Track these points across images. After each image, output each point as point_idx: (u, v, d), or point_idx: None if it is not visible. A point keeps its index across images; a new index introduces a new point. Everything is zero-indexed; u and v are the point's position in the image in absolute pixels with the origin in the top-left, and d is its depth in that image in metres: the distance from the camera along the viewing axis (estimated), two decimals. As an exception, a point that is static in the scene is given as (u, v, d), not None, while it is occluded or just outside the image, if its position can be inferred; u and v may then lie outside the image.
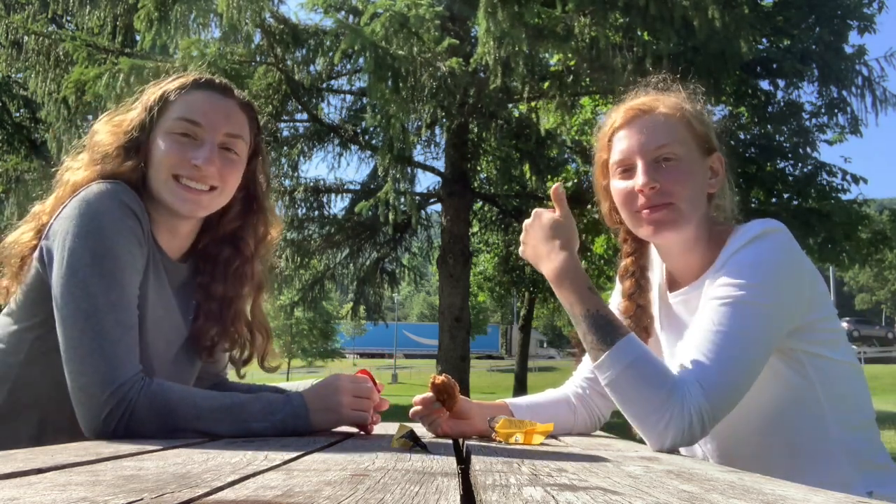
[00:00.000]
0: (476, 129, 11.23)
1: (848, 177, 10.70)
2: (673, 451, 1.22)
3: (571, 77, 9.69)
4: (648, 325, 1.55)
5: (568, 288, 1.33)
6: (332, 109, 11.76)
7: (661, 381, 1.21)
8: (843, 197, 10.73)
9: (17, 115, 13.79)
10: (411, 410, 1.48)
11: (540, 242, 1.40)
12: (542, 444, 1.29)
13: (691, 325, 1.41)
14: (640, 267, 1.57)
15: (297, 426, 1.29)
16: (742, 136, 11.37)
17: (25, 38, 10.02)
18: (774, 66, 10.18)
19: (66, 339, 1.22)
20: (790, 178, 10.93)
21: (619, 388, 1.24)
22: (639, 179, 1.39)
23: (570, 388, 1.70)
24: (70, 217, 1.27)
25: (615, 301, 1.65)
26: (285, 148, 11.11)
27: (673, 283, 1.52)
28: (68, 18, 11.89)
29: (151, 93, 1.47)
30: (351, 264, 12.50)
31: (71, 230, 1.26)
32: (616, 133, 1.47)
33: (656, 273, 1.58)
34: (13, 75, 12.63)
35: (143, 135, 1.43)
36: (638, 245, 1.57)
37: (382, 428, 1.65)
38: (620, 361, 1.23)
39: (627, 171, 1.43)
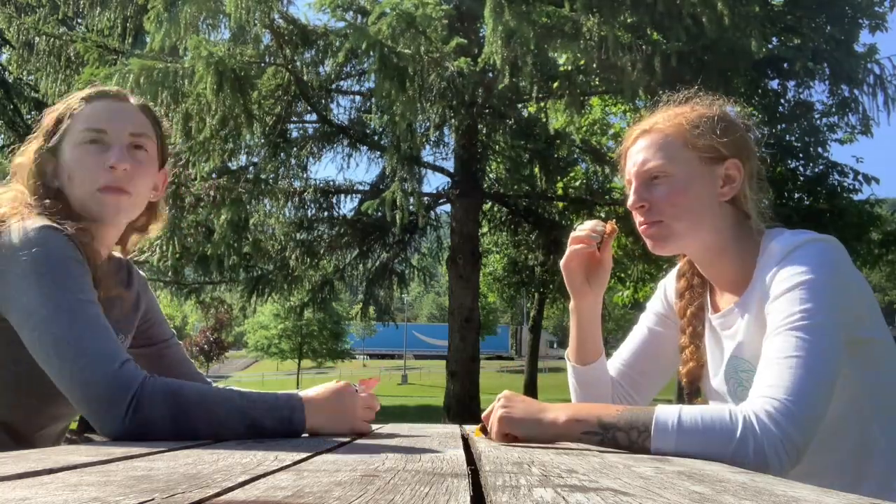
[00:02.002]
0: (485, 130, 11.23)
1: (859, 176, 10.65)
2: None
3: (580, 76, 9.68)
4: (701, 331, 1.55)
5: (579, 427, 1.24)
6: (341, 110, 11.78)
7: (721, 429, 1.12)
8: (855, 197, 10.68)
9: (28, 117, 13.88)
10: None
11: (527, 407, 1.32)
12: (548, 445, 1.30)
13: (729, 348, 1.42)
14: (693, 270, 1.57)
15: (292, 430, 1.28)
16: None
17: (37, 39, 10.10)
18: (785, 65, 10.13)
19: (50, 347, 1.19)
20: (801, 178, 10.89)
21: (696, 454, 1.12)
22: (629, 199, 1.45)
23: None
24: (14, 255, 1.25)
25: (654, 307, 1.67)
26: (294, 149, 11.13)
27: (716, 298, 1.53)
28: (79, 20, 11.95)
29: (49, 119, 1.47)
30: (360, 265, 12.51)
31: (21, 265, 1.23)
32: (626, 153, 1.52)
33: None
34: (24, 77, 12.72)
35: (50, 158, 1.43)
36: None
37: (392, 429, 1.65)
38: (669, 434, 1.14)
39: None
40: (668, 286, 1.66)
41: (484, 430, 1.36)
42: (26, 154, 1.45)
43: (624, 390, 1.65)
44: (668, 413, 1.14)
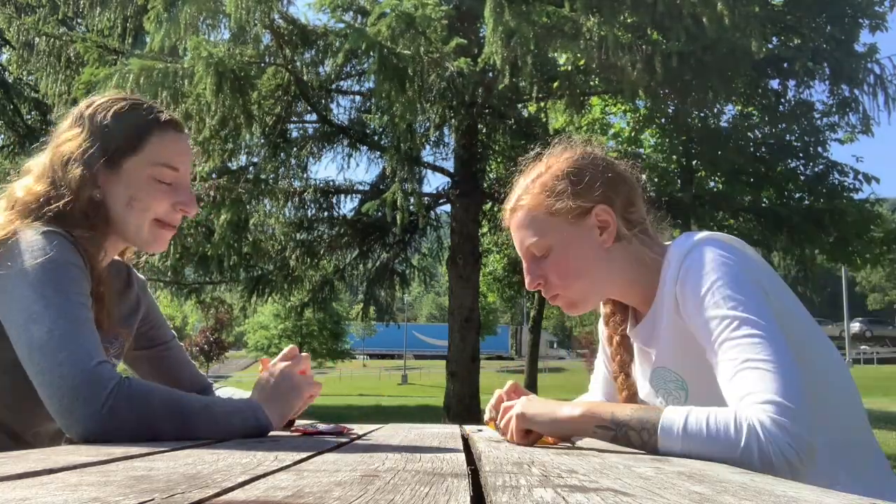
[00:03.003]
0: (485, 130, 11.23)
1: (860, 176, 10.66)
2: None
3: (580, 76, 9.68)
4: (628, 359, 1.55)
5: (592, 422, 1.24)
6: (341, 110, 11.77)
7: (725, 437, 1.10)
8: (855, 196, 10.68)
9: (29, 117, 13.89)
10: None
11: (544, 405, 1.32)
12: (548, 445, 1.30)
13: (651, 361, 1.43)
14: (621, 329, 1.57)
15: (259, 432, 1.28)
16: (753, 136, 11.34)
17: (37, 39, 10.10)
18: (785, 64, 10.13)
19: (32, 343, 1.20)
20: (801, 178, 10.89)
21: (694, 457, 1.11)
22: (526, 282, 1.47)
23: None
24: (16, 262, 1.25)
25: (601, 344, 1.68)
26: (294, 149, 11.13)
27: (637, 317, 1.52)
28: (79, 20, 11.96)
29: (95, 130, 1.42)
30: (361, 265, 12.51)
31: (21, 272, 1.24)
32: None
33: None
34: (24, 77, 12.73)
35: (110, 172, 1.41)
36: None
37: (392, 429, 1.65)
38: (675, 437, 1.13)
39: None
40: (602, 323, 1.67)
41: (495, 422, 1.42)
42: (66, 146, 1.41)
43: None
44: (674, 416, 1.14)
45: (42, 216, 1.34)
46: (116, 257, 1.61)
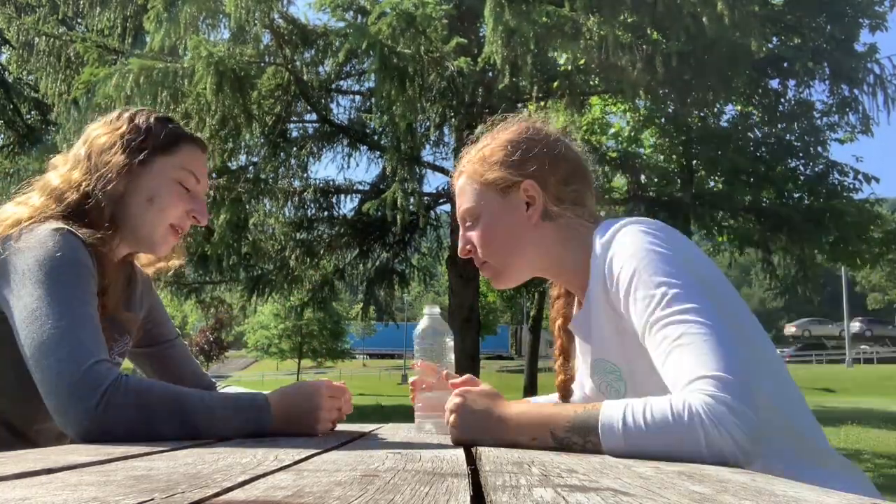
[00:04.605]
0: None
1: (860, 176, 10.64)
2: (740, 463, 1.02)
3: (580, 76, 9.67)
4: (568, 343, 1.56)
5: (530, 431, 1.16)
6: (341, 110, 11.77)
7: (666, 421, 1.03)
8: (855, 196, 10.66)
9: (29, 117, 13.88)
10: None
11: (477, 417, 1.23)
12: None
13: (590, 351, 1.41)
14: (563, 313, 1.58)
15: (258, 431, 1.27)
16: (753, 136, 11.33)
17: (36, 39, 10.09)
18: (785, 64, 10.13)
19: (34, 340, 1.20)
20: (801, 178, 10.88)
21: (647, 453, 1.04)
22: (458, 248, 1.49)
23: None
24: (24, 258, 1.27)
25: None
26: (294, 149, 11.13)
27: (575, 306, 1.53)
28: (79, 20, 11.96)
29: (135, 127, 1.50)
30: (360, 265, 12.50)
31: (26, 270, 1.26)
32: None
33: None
34: (24, 77, 12.72)
35: (141, 170, 1.47)
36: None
37: (392, 429, 1.65)
38: (617, 436, 1.06)
39: None
40: None
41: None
42: (105, 138, 1.48)
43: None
44: (612, 413, 1.07)
45: (68, 208, 1.39)
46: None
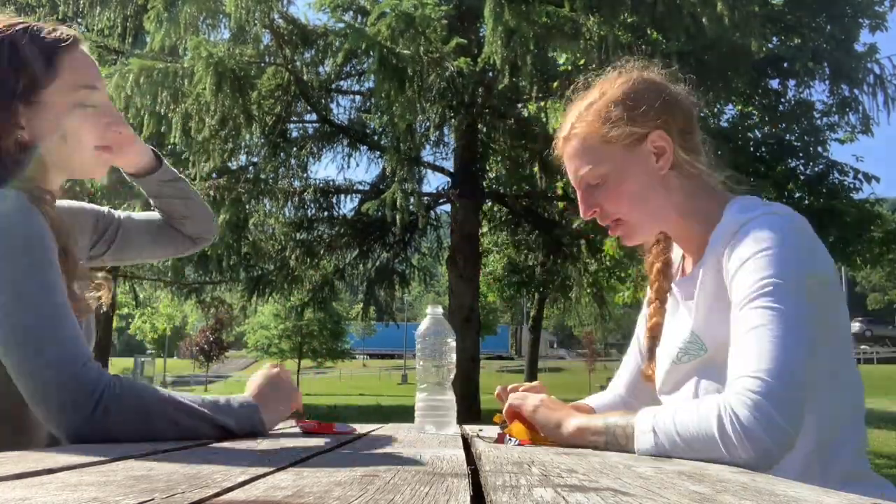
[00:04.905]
0: (485, 130, 11.22)
1: (860, 175, 10.65)
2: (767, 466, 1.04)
3: (580, 76, 9.68)
4: (667, 287, 1.51)
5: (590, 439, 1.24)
6: (341, 110, 11.78)
7: (700, 437, 1.06)
8: (855, 196, 10.67)
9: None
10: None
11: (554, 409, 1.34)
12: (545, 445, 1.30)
13: (687, 320, 1.39)
14: (662, 258, 1.56)
15: (253, 432, 1.26)
16: (753, 136, 11.32)
17: (36, 40, 10.09)
18: (785, 64, 10.13)
19: (9, 336, 1.12)
20: (801, 177, 10.88)
21: (678, 455, 1.08)
22: (580, 211, 1.45)
23: (617, 398, 1.69)
24: None
25: (638, 333, 1.66)
26: (294, 149, 11.13)
27: (685, 264, 1.50)
28: (79, 20, 11.97)
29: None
30: (360, 265, 12.51)
31: None
32: (561, 160, 1.50)
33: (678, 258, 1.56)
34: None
35: (12, 106, 1.26)
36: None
37: (392, 429, 1.65)
38: (648, 439, 1.11)
39: None
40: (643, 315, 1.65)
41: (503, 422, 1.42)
42: None
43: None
44: (645, 420, 1.12)
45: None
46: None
